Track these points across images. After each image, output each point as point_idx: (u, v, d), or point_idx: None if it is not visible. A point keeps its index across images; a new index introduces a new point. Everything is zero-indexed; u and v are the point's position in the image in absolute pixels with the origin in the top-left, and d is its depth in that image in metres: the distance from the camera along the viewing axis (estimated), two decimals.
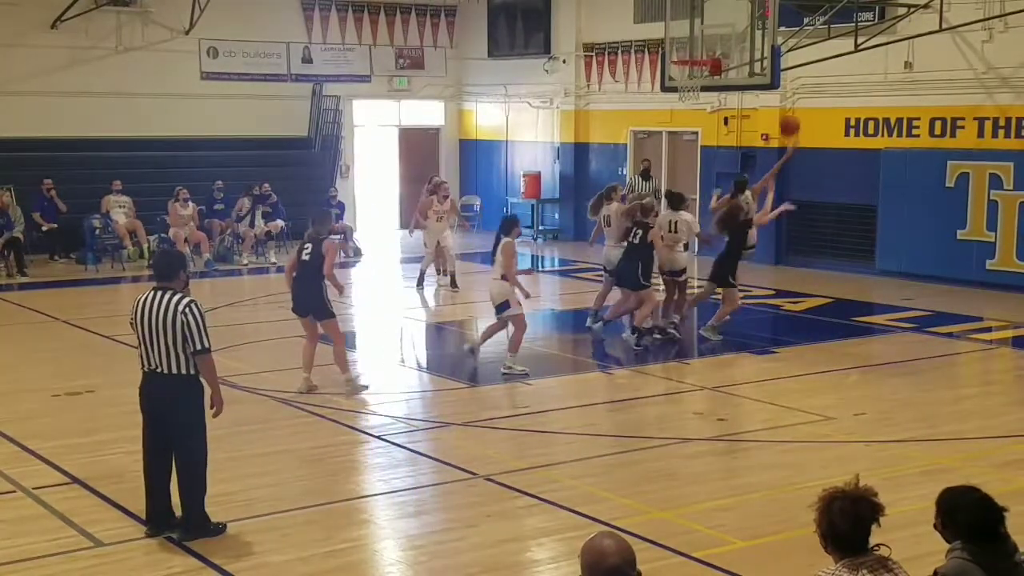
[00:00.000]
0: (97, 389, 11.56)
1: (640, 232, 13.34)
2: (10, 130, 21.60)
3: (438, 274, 18.36)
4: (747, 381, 12.19)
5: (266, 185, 21.84)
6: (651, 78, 22.08)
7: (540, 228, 24.76)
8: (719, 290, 13.99)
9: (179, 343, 7.22)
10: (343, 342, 11.52)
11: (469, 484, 8.64)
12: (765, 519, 7.93)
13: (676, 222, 13.85)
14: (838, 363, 12.94)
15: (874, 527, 4.27)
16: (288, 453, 9.44)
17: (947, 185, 17.92)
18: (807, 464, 9.33)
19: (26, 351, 13.65)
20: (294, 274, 11.35)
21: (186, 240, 20.22)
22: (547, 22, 24.78)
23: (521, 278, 12.52)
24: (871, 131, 19.27)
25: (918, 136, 18.68)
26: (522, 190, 25.18)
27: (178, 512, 7.52)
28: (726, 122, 21.30)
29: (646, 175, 21.84)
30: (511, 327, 12.35)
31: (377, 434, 10.03)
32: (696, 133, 22.15)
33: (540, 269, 21.09)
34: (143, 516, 7.61)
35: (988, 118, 17.76)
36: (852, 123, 19.50)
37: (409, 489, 8.67)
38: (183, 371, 7.29)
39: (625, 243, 14.03)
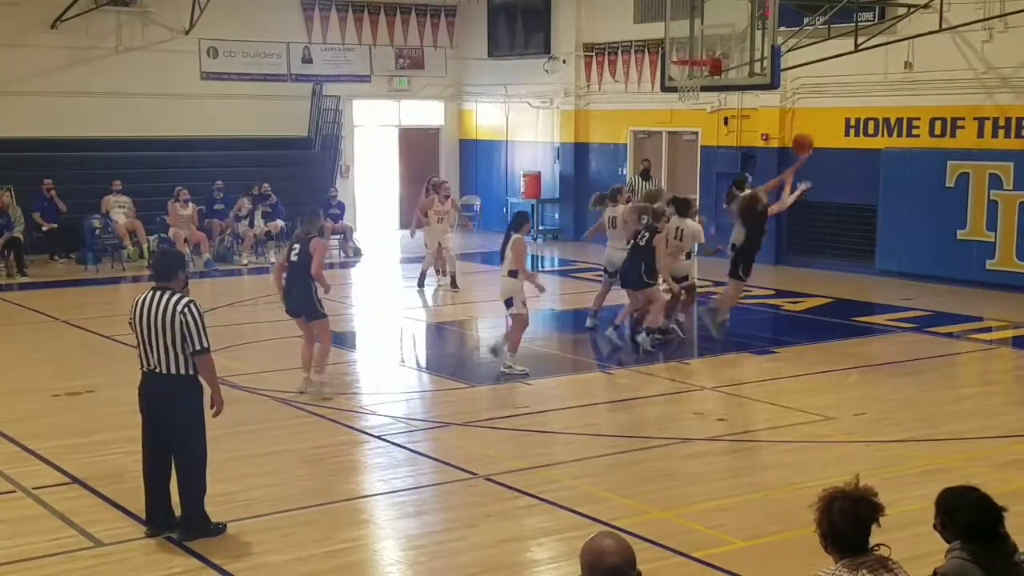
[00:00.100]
0: (97, 389, 11.56)
1: (647, 235, 13.29)
2: (10, 130, 21.60)
3: (438, 274, 18.34)
4: (747, 381, 12.19)
5: (266, 185, 21.85)
6: (651, 78, 22.08)
7: (540, 228, 24.75)
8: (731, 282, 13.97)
9: (178, 343, 7.22)
10: (329, 344, 11.42)
11: (469, 484, 8.64)
12: (765, 519, 7.93)
13: (682, 230, 13.72)
14: (838, 363, 12.94)
15: (874, 527, 4.27)
16: (288, 453, 9.44)
17: (947, 185, 17.92)
18: (807, 464, 9.33)
19: (26, 351, 13.66)
20: (284, 275, 11.31)
21: (186, 240, 20.23)
22: (547, 22, 24.79)
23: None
24: (871, 131, 19.27)
25: (918, 136, 18.68)
26: (522, 190, 25.18)
27: (178, 512, 7.53)
28: (726, 122, 21.31)
29: (646, 175, 21.83)
30: (508, 324, 12.37)
31: (377, 434, 10.03)
32: (696, 133, 22.15)
33: (540, 269, 21.08)
34: (143, 516, 7.61)
35: (988, 118, 17.76)
36: (852, 123, 19.50)
37: (409, 489, 8.67)
38: (182, 371, 7.29)
39: (628, 245, 14.09)
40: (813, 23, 17.32)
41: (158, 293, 7.32)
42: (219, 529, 7.52)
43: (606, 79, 23.83)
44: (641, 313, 13.82)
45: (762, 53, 15.24)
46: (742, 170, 20.61)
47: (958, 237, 17.84)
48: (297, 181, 23.74)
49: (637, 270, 13.35)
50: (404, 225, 24.17)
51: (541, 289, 13.10)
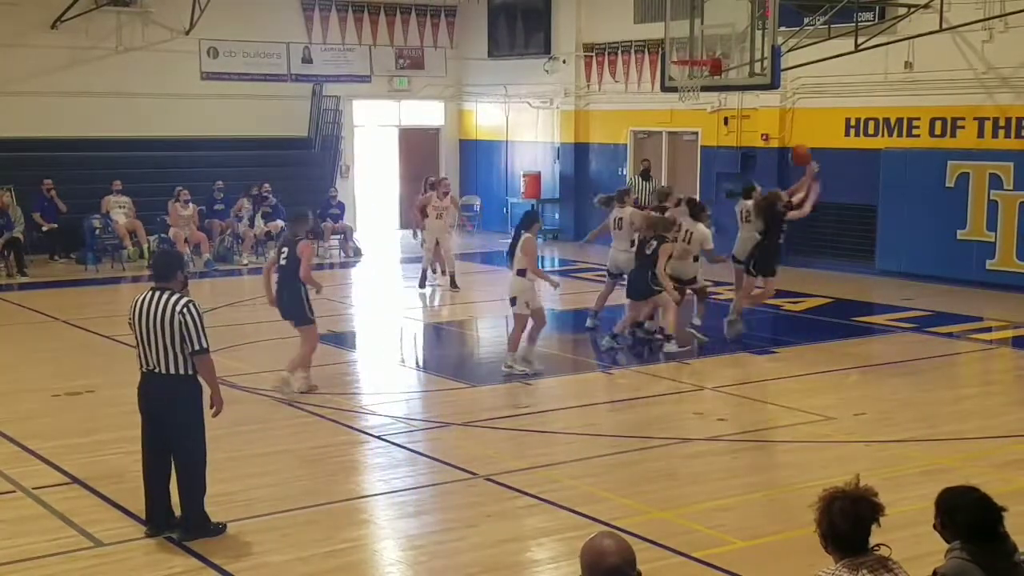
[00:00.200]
0: (97, 389, 11.56)
1: (655, 244, 13.08)
2: (10, 130, 21.60)
3: (434, 273, 18.30)
4: (747, 381, 12.19)
5: (266, 185, 21.85)
6: (651, 78, 22.08)
7: (540, 228, 24.71)
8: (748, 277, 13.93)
9: (177, 343, 7.22)
10: (312, 350, 11.31)
11: (469, 484, 8.64)
12: (765, 519, 7.94)
13: (691, 232, 13.63)
14: (838, 363, 12.94)
15: (874, 527, 4.27)
16: (288, 453, 9.44)
17: (947, 185, 17.92)
18: (807, 464, 9.33)
19: (26, 351, 13.66)
20: (275, 277, 11.25)
21: (186, 240, 20.24)
22: (547, 22, 24.79)
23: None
24: (871, 131, 19.27)
25: (918, 136, 18.68)
26: (522, 190, 25.18)
27: (178, 512, 7.53)
28: (726, 122, 21.31)
29: (646, 175, 21.83)
30: (510, 322, 12.33)
31: (377, 434, 10.03)
32: (696, 133, 22.15)
33: (540, 269, 21.06)
34: (143, 516, 7.61)
35: (988, 118, 17.76)
36: (852, 123, 19.50)
37: (409, 489, 8.67)
38: (181, 371, 7.29)
39: (633, 248, 14.10)
40: (813, 23, 17.32)
41: (157, 293, 7.32)
42: (219, 529, 7.52)
43: (606, 79, 23.83)
44: (639, 320, 13.79)
45: (762, 53, 15.24)
46: (742, 170, 20.67)
47: (958, 237, 17.84)
48: (297, 181, 23.75)
49: (644, 278, 13.19)
50: (404, 225, 24.20)
51: (555, 285, 13.18)
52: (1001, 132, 17.64)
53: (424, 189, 18.68)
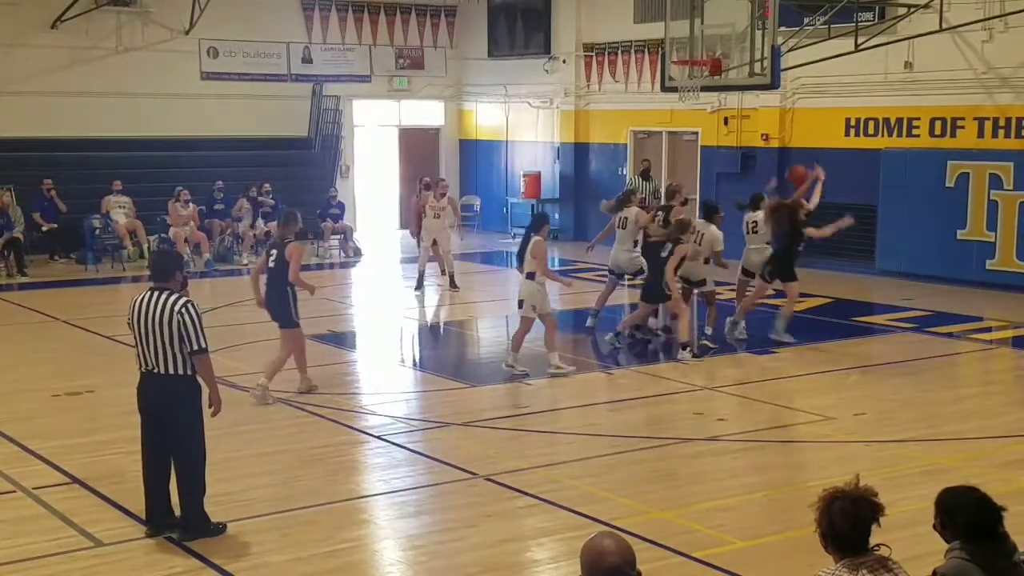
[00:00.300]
0: (97, 389, 11.57)
1: (671, 247, 12.96)
2: (10, 130, 21.61)
3: (436, 274, 18.25)
4: (747, 381, 12.19)
5: (267, 186, 21.86)
6: (651, 78, 22.08)
7: None
8: (780, 286, 13.79)
9: (175, 343, 7.22)
10: (289, 355, 11.15)
11: (469, 484, 8.64)
12: (765, 519, 7.94)
13: (703, 234, 13.51)
14: (838, 363, 12.94)
15: (874, 527, 4.27)
16: (288, 453, 9.44)
17: (947, 185, 17.92)
18: (807, 464, 9.34)
19: (26, 351, 13.66)
20: (264, 279, 11.17)
21: (186, 240, 20.24)
22: (547, 22, 24.79)
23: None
24: (871, 131, 19.27)
25: (918, 136, 18.68)
26: (522, 190, 25.18)
27: (178, 512, 7.53)
28: (726, 122, 21.31)
29: (646, 175, 21.82)
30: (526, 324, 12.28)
31: (377, 434, 10.03)
32: (696, 133, 22.15)
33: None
34: (143, 516, 7.61)
35: (988, 118, 17.77)
36: (852, 123, 19.51)
37: (409, 489, 8.67)
38: (180, 371, 7.29)
39: (636, 248, 14.06)
40: (813, 23, 17.32)
41: (156, 293, 7.33)
42: (219, 529, 7.52)
43: (606, 79, 23.83)
44: (640, 321, 13.78)
45: (762, 53, 15.24)
46: (742, 170, 20.68)
47: (958, 237, 17.84)
48: (297, 181, 23.76)
49: (658, 283, 13.05)
50: (404, 225, 24.17)
51: (568, 284, 13.21)
52: (1001, 132, 17.64)
53: (419, 190, 18.65)
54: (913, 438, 9.91)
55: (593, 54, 24.09)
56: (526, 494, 8.32)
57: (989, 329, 15.13)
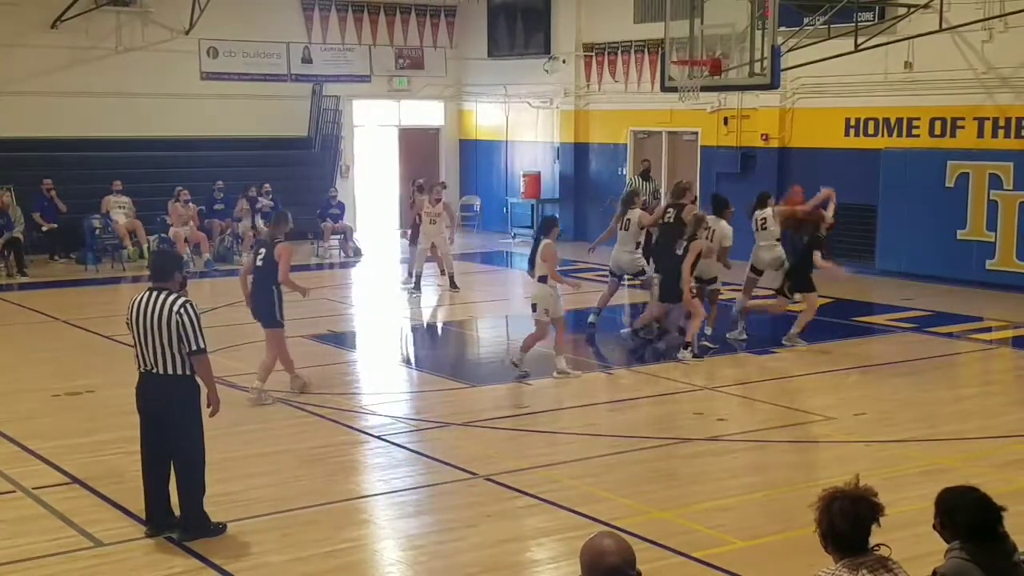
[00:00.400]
0: (97, 389, 11.57)
1: (686, 244, 12.90)
2: (10, 130, 21.62)
3: (442, 275, 18.18)
4: (747, 381, 12.18)
5: (266, 186, 21.86)
6: (651, 78, 22.08)
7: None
8: (798, 296, 13.62)
9: (174, 343, 7.22)
10: (276, 357, 11.08)
11: (469, 484, 8.64)
12: (765, 519, 7.94)
13: (714, 230, 13.41)
14: (838, 363, 12.94)
15: (874, 527, 4.27)
16: (288, 453, 9.44)
17: (947, 185, 17.92)
18: (807, 464, 9.35)
19: (26, 351, 13.66)
20: (250, 278, 11.10)
21: (186, 240, 20.24)
22: (547, 22, 24.78)
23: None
24: (871, 131, 19.27)
25: (918, 136, 18.69)
26: (522, 190, 25.18)
27: (178, 512, 7.52)
28: (726, 122, 21.30)
29: (646, 175, 21.82)
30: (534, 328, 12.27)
31: (377, 434, 10.03)
32: (696, 133, 22.15)
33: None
34: (143, 516, 7.61)
35: (988, 118, 17.77)
36: (852, 123, 19.51)
37: (409, 489, 8.67)
38: (178, 371, 7.29)
39: (638, 250, 14.01)
40: (813, 23, 17.33)
41: (154, 293, 7.33)
42: (219, 529, 7.52)
43: (606, 79, 23.83)
44: (655, 320, 13.74)
45: (762, 53, 15.24)
46: (742, 170, 20.67)
47: (958, 237, 17.84)
48: (297, 181, 23.77)
49: (675, 281, 12.93)
50: (404, 225, 24.14)
51: (575, 287, 13.06)
52: (1001, 132, 17.64)
53: (412, 192, 18.59)
54: (913, 438, 9.91)
55: (593, 54, 24.09)
56: (526, 494, 8.32)
57: (989, 329, 15.13)
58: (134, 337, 7.37)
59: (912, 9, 17.24)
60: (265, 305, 10.93)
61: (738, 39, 15.61)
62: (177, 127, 23.36)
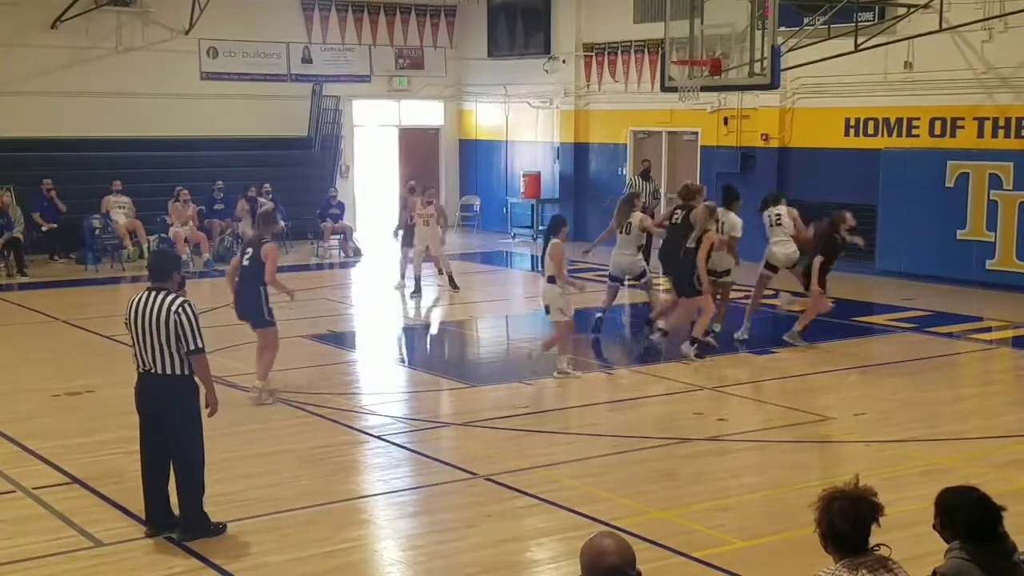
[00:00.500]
0: (97, 389, 11.57)
1: (698, 236, 12.80)
2: (10, 130, 21.61)
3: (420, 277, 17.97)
4: (747, 381, 12.19)
5: (267, 186, 21.86)
6: (651, 78, 22.08)
7: (540, 228, 24.74)
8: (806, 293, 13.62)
9: (172, 343, 7.22)
10: (275, 352, 11.08)
11: (469, 484, 8.64)
12: (765, 519, 7.94)
13: (723, 223, 13.35)
14: (838, 363, 12.94)
15: (874, 527, 4.27)
16: (288, 453, 9.43)
17: (947, 185, 17.92)
18: (807, 464, 9.34)
19: (26, 351, 13.66)
20: (236, 278, 11.03)
21: (186, 240, 20.24)
22: (547, 22, 24.78)
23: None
24: (871, 131, 19.27)
25: (918, 136, 18.68)
26: (522, 190, 25.17)
27: (177, 512, 7.52)
28: (726, 122, 21.31)
29: (646, 175, 21.81)
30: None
31: (377, 434, 10.03)
32: (696, 133, 22.15)
33: (540, 269, 21.04)
34: (143, 516, 7.61)
35: (988, 118, 17.77)
36: (852, 123, 19.50)
37: (409, 489, 8.68)
38: (177, 371, 7.29)
39: (639, 252, 13.98)
40: (813, 23, 17.33)
41: (153, 293, 7.33)
42: (219, 529, 7.52)
43: (606, 79, 23.83)
44: (661, 314, 13.70)
45: (762, 53, 15.24)
46: (742, 170, 20.65)
47: (958, 237, 17.84)
48: (297, 181, 23.78)
49: (689, 278, 12.87)
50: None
51: (580, 289, 12.99)
52: (1001, 132, 17.64)
53: (404, 193, 18.51)
54: (913, 438, 9.91)
55: (593, 54, 24.08)
56: (526, 494, 8.32)
57: (989, 329, 15.13)
58: (133, 337, 7.37)
59: (912, 9, 17.23)
60: (253, 305, 10.88)
61: (738, 39, 15.61)
62: (177, 127, 23.35)
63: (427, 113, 27.11)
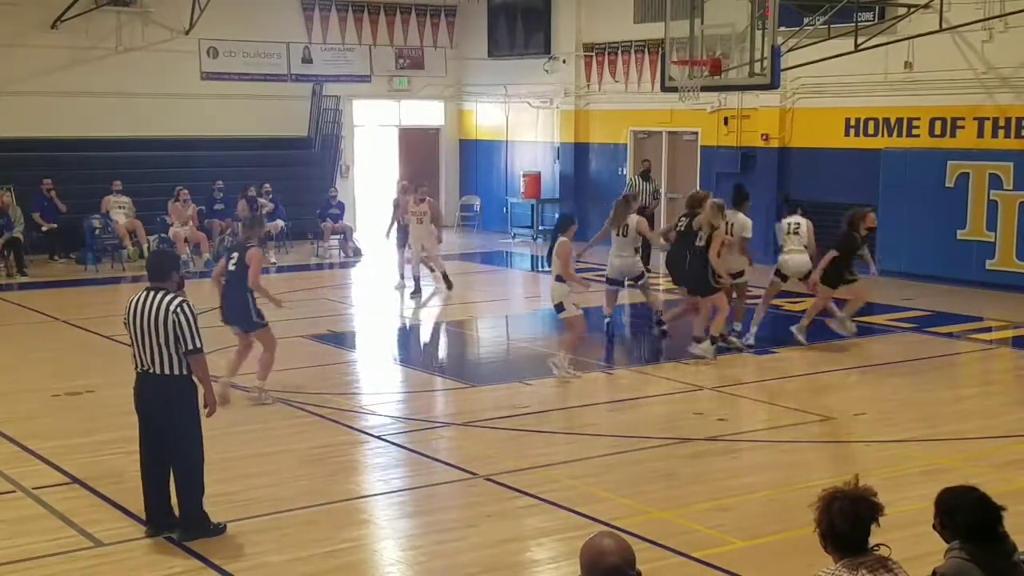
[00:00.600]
0: (97, 389, 11.56)
1: (707, 235, 12.76)
2: (10, 130, 21.61)
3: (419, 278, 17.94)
4: (747, 381, 12.19)
5: (267, 186, 21.87)
6: (651, 78, 22.08)
7: (540, 228, 24.77)
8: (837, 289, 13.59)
9: (170, 343, 7.21)
10: (273, 351, 11.04)
11: (469, 484, 8.64)
12: (765, 519, 7.93)
13: (732, 224, 13.26)
14: (838, 363, 12.94)
15: (874, 527, 4.27)
16: (288, 453, 9.43)
17: (947, 185, 17.92)
18: (807, 464, 9.34)
19: (26, 351, 13.65)
20: (223, 281, 10.96)
21: (186, 240, 20.25)
22: (547, 22, 24.78)
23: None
24: (871, 131, 19.27)
25: (918, 136, 18.68)
26: (522, 190, 25.17)
27: (177, 512, 7.52)
28: (726, 122, 21.31)
29: (646, 176, 21.80)
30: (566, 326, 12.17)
31: (377, 434, 10.03)
32: (696, 133, 22.15)
33: (541, 269, 21.08)
34: (143, 516, 7.61)
35: (988, 118, 17.76)
36: (852, 123, 19.50)
37: (409, 489, 8.68)
38: (175, 371, 7.28)
39: (637, 255, 13.93)
40: (813, 23, 17.32)
41: (152, 293, 7.33)
42: (219, 529, 7.51)
43: (606, 79, 23.83)
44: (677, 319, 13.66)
45: (762, 53, 15.24)
46: (742, 170, 20.65)
47: (958, 237, 17.84)
48: (297, 181, 23.77)
49: (704, 276, 12.79)
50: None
51: (586, 287, 12.92)
52: (1001, 132, 17.64)
53: (397, 192, 18.48)
54: (913, 438, 9.91)
55: (593, 54, 24.08)
56: (526, 494, 8.32)
57: (989, 329, 15.12)
58: (131, 337, 7.37)
59: (912, 9, 17.23)
60: (241, 310, 10.83)
61: (738, 39, 15.61)
62: (177, 127, 23.35)
63: (427, 113, 27.11)
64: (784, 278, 14.17)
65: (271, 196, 21.93)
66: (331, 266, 21.54)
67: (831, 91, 19.27)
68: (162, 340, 7.21)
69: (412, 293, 17.40)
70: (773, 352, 13.52)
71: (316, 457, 9.34)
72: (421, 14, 26.35)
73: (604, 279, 14.58)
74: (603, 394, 11.94)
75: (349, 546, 7.47)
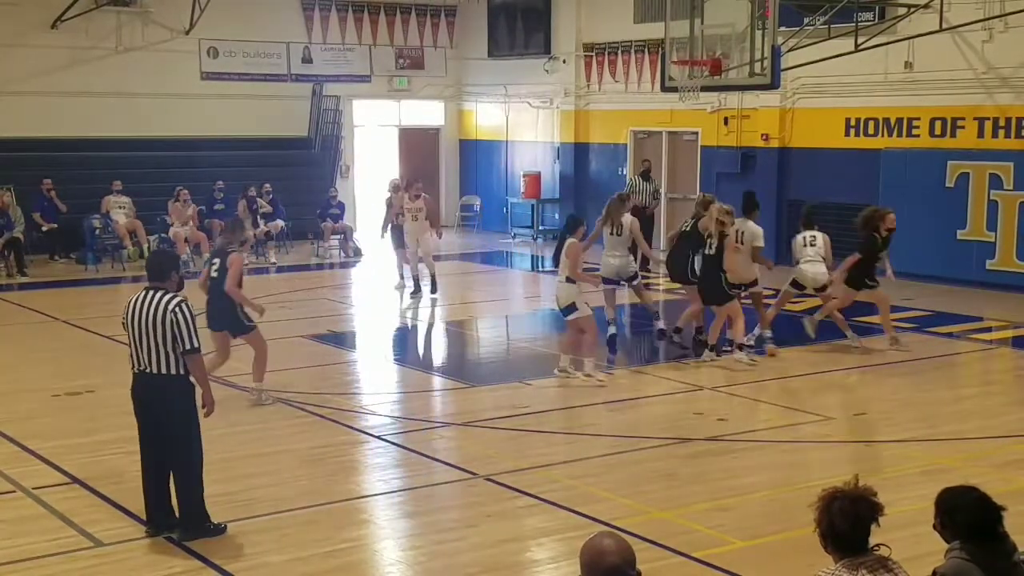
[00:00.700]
0: (97, 389, 11.56)
1: (717, 241, 12.65)
2: (10, 130, 21.62)
3: (418, 278, 17.89)
4: (747, 381, 12.18)
5: (267, 186, 21.87)
6: (651, 78, 22.08)
7: (540, 228, 24.78)
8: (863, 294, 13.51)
9: (168, 343, 7.21)
10: (265, 352, 10.96)
11: (469, 484, 8.64)
12: (765, 519, 7.93)
13: (743, 232, 13.16)
14: (838, 363, 12.94)
15: (874, 527, 4.27)
16: (288, 453, 9.43)
17: (947, 185, 17.92)
18: (807, 464, 9.34)
19: (26, 351, 13.65)
20: (208, 288, 10.82)
21: (186, 240, 20.25)
22: (547, 22, 24.79)
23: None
24: (871, 131, 19.27)
25: (918, 136, 18.68)
26: (522, 190, 25.18)
27: (177, 512, 7.52)
28: (726, 122, 21.30)
29: (646, 176, 21.80)
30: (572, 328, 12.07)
31: (377, 434, 10.03)
32: (696, 133, 22.15)
33: (541, 269, 21.10)
34: (143, 516, 7.61)
35: (988, 118, 17.76)
36: (852, 123, 19.50)
37: (409, 489, 8.68)
38: (172, 371, 7.28)
39: (630, 255, 13.87)
40: (813, 23, 17.32)
41: (151, 293, 7.33)
42: (219, 529, 7.51)
43: (606, 79, 23.83)
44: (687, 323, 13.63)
45: (762, 53, 15.24)
46: (742, 170, 20.65)
47: (958, 237, 17.84)
48: (297, 181, 23.78)
49: (718, 282, 12.69)
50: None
51: (597, 285, 12.88)
52: (1001, 132, 17.64)
53: (390, 191, 18.46)
54: (913, 438, 9.91)
55: (593, 54, 24.08)
56: (526, 494, 8.32)
57: (989, 329, 15.13)
58: (129, 337, 7.38)
59: (912, 9, 17.23)
60: (228, 315, 10.73)
61: (738, 39, 15.61)
62: (177, 127, 23.36)
63: (427, 113, 27.12)
64: (800, 287, 14.00)
65: (271, 196, 21.93)
66: (331, 266, 21.55)
67: (831, 91, 19.27)
68: (159, 339, 7.21)
69: (412, 293, 17.38)
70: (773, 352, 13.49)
71: (316, 457, 9.35)
72: (421, 14, 26.35)
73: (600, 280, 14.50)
74: (603, 394, 11.91)
75: (349, 546, 7.47)
